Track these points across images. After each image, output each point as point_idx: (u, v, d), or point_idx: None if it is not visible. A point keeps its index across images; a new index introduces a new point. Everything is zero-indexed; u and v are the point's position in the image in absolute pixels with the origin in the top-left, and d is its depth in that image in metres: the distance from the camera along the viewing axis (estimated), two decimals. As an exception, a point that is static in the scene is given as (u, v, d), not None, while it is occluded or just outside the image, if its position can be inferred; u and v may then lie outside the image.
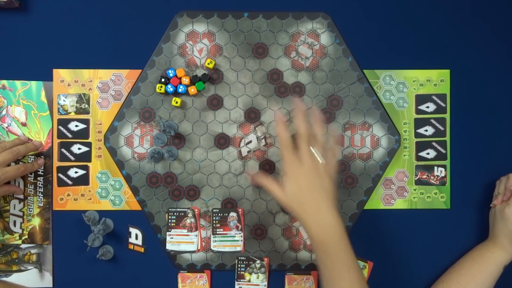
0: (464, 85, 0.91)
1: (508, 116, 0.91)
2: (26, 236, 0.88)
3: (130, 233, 0.89)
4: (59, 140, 0.89)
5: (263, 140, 0.89)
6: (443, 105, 0.91)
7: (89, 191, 0.89)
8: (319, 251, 0.73)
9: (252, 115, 0.89)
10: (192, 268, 0.89)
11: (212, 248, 0.89)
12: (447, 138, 0.91)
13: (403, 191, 0.90)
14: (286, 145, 0.75)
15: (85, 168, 0.89)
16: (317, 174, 0.74)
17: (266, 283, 0.89)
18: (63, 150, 0.89)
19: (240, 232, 0.89)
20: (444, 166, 0.91)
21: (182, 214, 0.89)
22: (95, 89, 0.88)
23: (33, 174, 0.88)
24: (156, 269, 0.89)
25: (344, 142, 0.89)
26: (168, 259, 0.89)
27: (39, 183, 0.88)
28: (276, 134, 0.75)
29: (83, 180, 0.89)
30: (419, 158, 0.91)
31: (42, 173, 0.88)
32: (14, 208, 0.88)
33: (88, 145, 0.89)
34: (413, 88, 0.90)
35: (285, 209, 0.76)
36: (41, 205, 0.88)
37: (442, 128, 0.91)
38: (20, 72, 0.88)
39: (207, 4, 0.89)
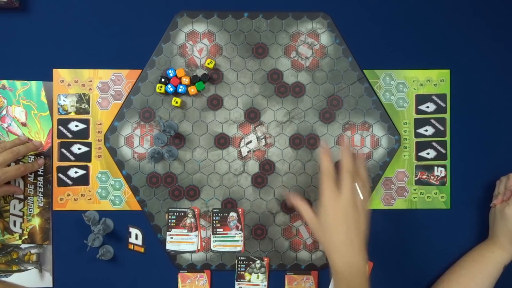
0: (464, 85, 0.91)
1: (508, 116, 0.91)
2: (26, 236, 0.88)
3: (130, 233, 0.89)
4: (59, 140, 0.89)
5: (263, 140, 0.89)
6: (443, 105, 0.91)
7: (89, 191, 0.89)
8: (339, 283, 0.73)
9: (252, 115, 0.89)
10: (192, 268, 0.89)
11: (212, 248, 0.89)
12: (447, 138, 0.91)
13: (403, 191, 0.90)
14: (328, 174, 0.75)
15: (85, 168, 0.89)
16: (355, 209, 0.74)
17: (266, 283, 0.89)
18: (63, 150, 0.89)
19: (240, 232, 0.89)
20: (444, 166, 0.91)
21: (182, 214, 0.89)
22: (95, 89, 0.88)
23: (33, 174, 0.88)
24: (156, 269, 0.89)
25: (344, 142, 0.89)
26: (168, 259, 0.89)
27: (39, 183, 0.88)
28: (319, 162, 0.76)
29: (83, 180, 0.89)
30: (419, 158, 0.91)
31: (42, 173, 0.88)
32: (14, 208, 0.88)
33: (88, 145, 0.89)
34: (413, 88, 0.90)
35: (313, 235, 0.77)
36: (41, 205, 0.88)
37: (442, 128, 0.91)
38: (20, 72, 0.88)
39: (207, 4, 0.89)
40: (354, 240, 0.73)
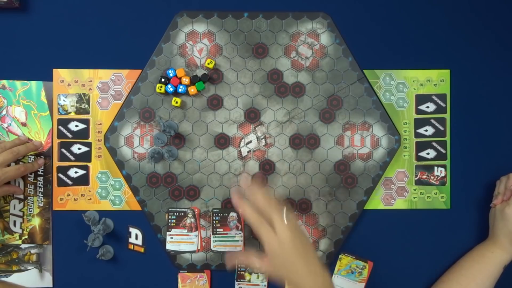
0: (464, 85, 0.91)
1: (508, 116, 0.91)
2: (26, 236, 0.88)
3: (130, 233, 0.89)
4: (59, 140, 0.89)
5: (263, 140, 0.89)
6: (443, 105, 0.91)
7: (89, 191, 0.89)
8: None
9: (252, 115, 0.89)
10: (192, 268, 0.89)
11: (212, 248, 0.89)
12: (447, 138, 0.91)
13: (403, 191, 0.90)
14: (256, 220, 0.72)
15: (85, 168, 0.89)
16: (296, 236, 0.70)
17: (266, 283, 0.89)
18: (63, 150, 0.88)
19: (240, 232, 0.89)
20: (444, 166, 0.91)
21: (182, 214, 0.89)
22: (95, 89, 0.88)
23: (33, 174, 0.88)
24: (156, 269, 0.89)
25: (344, 142, 0.89)
26: (168, 259, 0.89)
27: (39, 183, 0.88)
28: (242, 215, 0.74)
29: (83, 180, 0.89)
30: (419, 158, 0.91)
31: (42, 173, 0.88)
32: (14, 208, 0.88)
33: (88, 145, 0.89)
34: (413, 88, 0.90)
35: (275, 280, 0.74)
36: (41, 205, 0.88)
37: (442, 128, 0.91)
38: (20, 72, 0.88)
39: (207, 4, 0.89)
40: (312, 264, 0.71)
